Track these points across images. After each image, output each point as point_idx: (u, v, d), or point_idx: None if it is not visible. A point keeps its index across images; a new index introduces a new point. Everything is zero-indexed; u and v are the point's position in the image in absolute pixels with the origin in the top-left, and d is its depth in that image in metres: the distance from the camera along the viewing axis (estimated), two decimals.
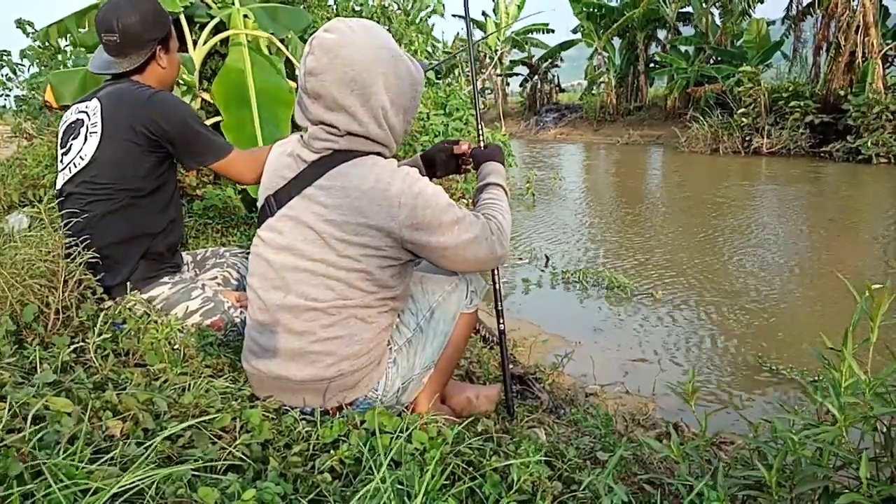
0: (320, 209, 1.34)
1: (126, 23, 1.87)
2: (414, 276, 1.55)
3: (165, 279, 1.94)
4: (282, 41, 3.67)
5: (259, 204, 1.48)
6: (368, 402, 1.44)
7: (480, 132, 1.92)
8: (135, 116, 1.84)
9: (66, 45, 5.20)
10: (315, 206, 1.35)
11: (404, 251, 1.38)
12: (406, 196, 1.32)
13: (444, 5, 6.65)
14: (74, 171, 1.88)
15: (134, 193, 1.86)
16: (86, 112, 1.92)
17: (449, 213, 1.37)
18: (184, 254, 2.22)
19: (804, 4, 15.55)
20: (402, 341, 1.51)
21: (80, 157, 1.88)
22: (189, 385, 1.29)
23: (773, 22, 17.19)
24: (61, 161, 1.94)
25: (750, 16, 16.63)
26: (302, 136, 1.44)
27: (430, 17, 6.71)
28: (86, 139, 1.88)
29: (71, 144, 1.91)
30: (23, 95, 6.42)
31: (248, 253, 2.48)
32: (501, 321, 1.84)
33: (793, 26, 16.10)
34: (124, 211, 1.85)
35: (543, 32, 23.32)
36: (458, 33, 22.39)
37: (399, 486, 0.98)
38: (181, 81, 3.31)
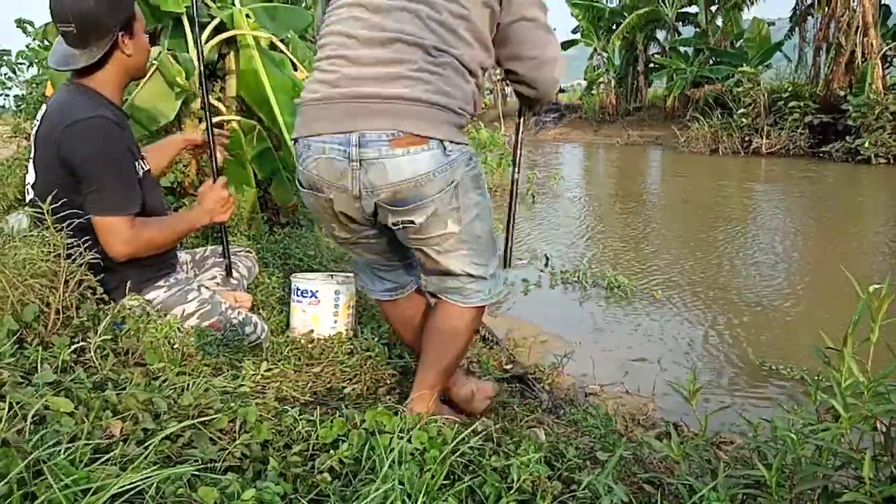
0: None
1: (81, 9, 1.64)
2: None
3: (160, 282, 1.91)
4: (282, 41, 3.67)
5: None
6: (439, 154, 1.38)
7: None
8: (54, 141, 1.68)
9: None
10: None
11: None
12: None
13: None
14: (28, 197, 1.80)
15: (88, 219, 1.69)
16: (38, 123, 1.79)
17: (545, 13, 1.53)
18: (182, 253, 2.21)
19: (807, 4, 15.55)
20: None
21: (27, 183, 1.79)
22: (188, 385, 1.29)
23: (773, 22, 17.19)
24: None
25: (741, 10, 16.60)
26: None
27: None
28: (30, 159, 1.78)
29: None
30: (22, 95, 6.40)
31: (248, 251, 2.47)
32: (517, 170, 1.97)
33: (798, 27, 16.08)
34: (89, 232, 1.69)
35: None
36: None
37: (399, 486, 0.98)
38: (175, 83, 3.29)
